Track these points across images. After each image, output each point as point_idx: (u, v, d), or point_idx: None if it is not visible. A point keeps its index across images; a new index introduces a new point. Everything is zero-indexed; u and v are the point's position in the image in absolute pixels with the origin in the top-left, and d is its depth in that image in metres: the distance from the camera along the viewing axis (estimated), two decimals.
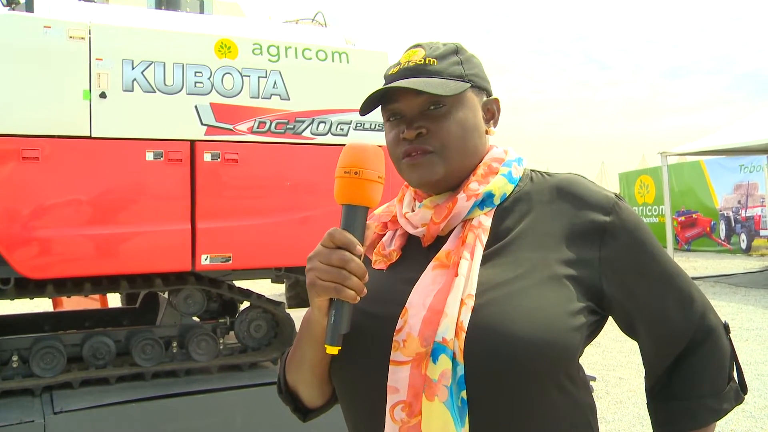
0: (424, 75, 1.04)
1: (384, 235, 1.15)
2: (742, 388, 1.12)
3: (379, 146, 1.03)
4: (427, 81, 1.03)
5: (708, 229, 15.80)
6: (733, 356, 1.12)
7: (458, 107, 1.05)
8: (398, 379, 0.95)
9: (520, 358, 0.93)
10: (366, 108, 1.09)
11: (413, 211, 1.10)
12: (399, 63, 1.08)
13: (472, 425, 0.93)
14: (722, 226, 15.47)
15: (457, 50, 1.08)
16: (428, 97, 1.04)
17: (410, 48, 1.09)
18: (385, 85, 1.07)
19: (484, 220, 1.04)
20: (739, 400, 1.11)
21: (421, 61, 1.06)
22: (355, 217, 0.97)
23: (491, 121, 1.13)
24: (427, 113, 1.05)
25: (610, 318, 1.09)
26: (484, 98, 1.11)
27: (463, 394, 0.92)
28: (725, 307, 8.26)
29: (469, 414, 0.93)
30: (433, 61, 1.05)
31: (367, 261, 1.09)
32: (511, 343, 0.93)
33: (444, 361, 0.92)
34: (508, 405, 0.95)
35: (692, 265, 12.98)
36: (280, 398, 1.17)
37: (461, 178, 1.07)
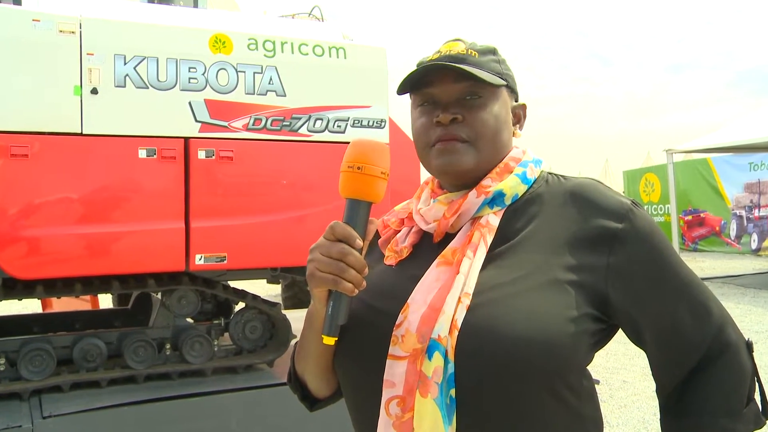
0: (466, 64, 1.05)
1: (400, 231, 1.15)
2: (765, 411, 1.07)
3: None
4: (474, 69, 1.04)
5: (717, 228, 15.63)
6: (755, 376, 1.07)
7: (494, 101, 1.06)
8: (395, 373, 0.96)
9: (510, 360, 0.92)
10: (403, 88, 1.09)
11: (428, 207, 1.10)
12: (439, 51, 1.09)
13: (459, 424, 0.93)
14: (733, 226, 15.28)
15: (494, 51, 1.10)
16: (466, 86, 1.04)
17: (450, 40, 1.11)
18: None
19: (492, 219, 1.04)
20: (759, 424, 1.06)
21: (463, 51, 1.07)
22: (357, 211, 0.99)
23: (517, 125, 1.14)
24: (463, 101, 1.05)
25: None
26: (514, 102, 1.13)
27: (452, 392, 0.92)
28: (734, 309, 8.15)
29: (456, 412, 0.93)
30: (475, 54, 1.07)
31: (381, 256, 1.12)
32: (502, 344, 0.93)
33: (437, 358, 0.93)
34: (495, 406, 0.94)
35: (699, 265, 12.84)
36: (289, 387, 1.20)
37: (485, 174, 1.07)
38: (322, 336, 0.98)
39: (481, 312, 0.95)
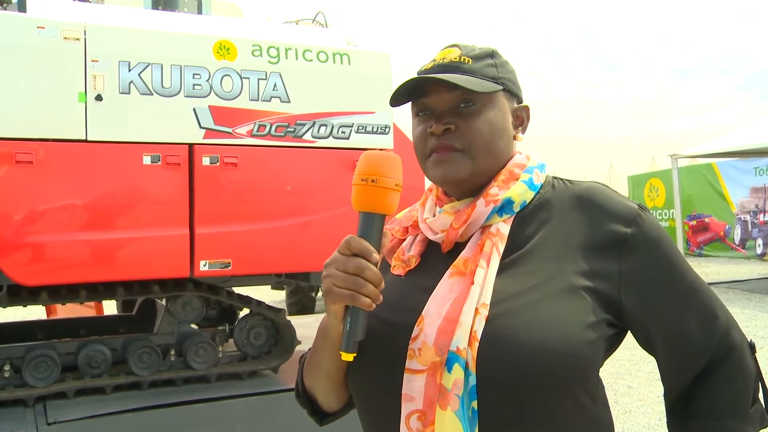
0: (458, 72, 1.04)
1: (405, 239, 1.14)
2: None
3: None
4: (461, 77, 1.03)
5: (722, 233, 15.55)
6: (759, 376, 1.07)
7: (489, 107, 1.05)
8: (413, 387, 0.95)
9: (534, 370, 0.91)
10: (396, 100, 1.09)
11: (434, 216, 1.10)
12: (434, 59, 1.09)
13: None
14: (738, 231, 15.20)
15: (492, 54, 1.09)
16: (460, 94, 1.04)
17: (446, 47, 1.10)
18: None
19: (503, 227, 1.03)
20: (764, 424, 1.06)
21: (456, 59, 1.06)
22: (371, 224, 0.98)
23: (520, 128, 1.13)
24: (457, 110, 1.05)
25: None
26: (515, 104, 1.11)
27: (474, 404, 0.92)
28: (739, 314, 8.10)
29: (479, 424, 0.92)
30: (469, 60, 1.06)
31: (386, 266, 1.10)
32: (525, 354, 0.92)
33: (457, 371, 0.92)
34: (517, 416, 0.93)
35: (704, 270, 12.77)
36: (297, 402, 1.18)
37: (485, 181, 1.06)
38: (341, 352, 0.97)
39: (500, 323, 0.94)
